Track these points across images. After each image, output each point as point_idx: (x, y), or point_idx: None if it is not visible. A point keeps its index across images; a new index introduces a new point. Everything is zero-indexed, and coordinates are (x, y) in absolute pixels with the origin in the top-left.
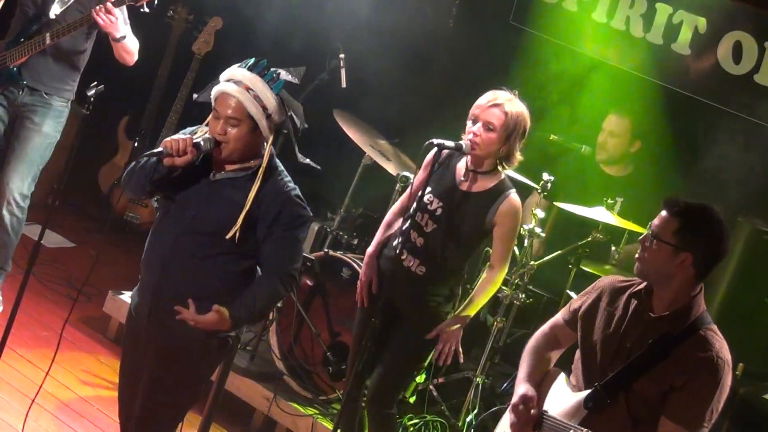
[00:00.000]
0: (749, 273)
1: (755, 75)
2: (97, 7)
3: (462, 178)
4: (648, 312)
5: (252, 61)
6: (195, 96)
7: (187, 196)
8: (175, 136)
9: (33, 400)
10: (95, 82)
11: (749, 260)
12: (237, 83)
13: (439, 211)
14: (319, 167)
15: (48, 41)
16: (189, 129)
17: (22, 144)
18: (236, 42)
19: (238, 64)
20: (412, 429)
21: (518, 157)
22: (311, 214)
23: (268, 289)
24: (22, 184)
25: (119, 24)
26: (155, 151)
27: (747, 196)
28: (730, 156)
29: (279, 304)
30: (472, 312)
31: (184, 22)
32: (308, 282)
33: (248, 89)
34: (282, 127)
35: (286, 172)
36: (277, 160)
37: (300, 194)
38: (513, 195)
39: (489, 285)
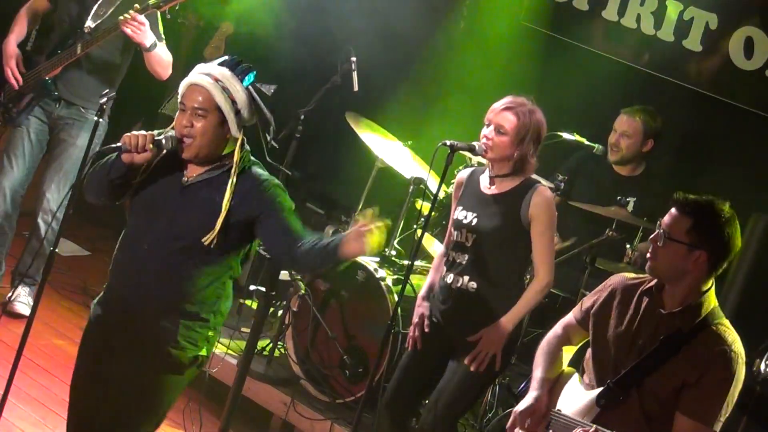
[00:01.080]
0: (765, 267)
1: (767, 70)
2: (124, 17)
3: (487, 185)
4: (659, 308)
5: (225, 57)
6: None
7: (159, 204)
8: (135, 132)
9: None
10: (107, 90)
11: (765, 255)
12: (206, 75)
13: (474, 221)
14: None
15: (79, 51)
16: (156, 131)
17: (59, 157)
18: (247, 47)
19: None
20: None
21: (533, 162)
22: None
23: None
24: (59, 195)
25: (146, 31)
26: (113, 146)
27: (762, 192)
28: (742, 151)
29: (295, 309)
30: (511, 320)
31: (195, 28)
32: (323, 286)
33: (217, 80)
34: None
35: (261, 164)
36: (251, 156)
37: (279, 182)
38: (542, 187)
39: (531, 294)
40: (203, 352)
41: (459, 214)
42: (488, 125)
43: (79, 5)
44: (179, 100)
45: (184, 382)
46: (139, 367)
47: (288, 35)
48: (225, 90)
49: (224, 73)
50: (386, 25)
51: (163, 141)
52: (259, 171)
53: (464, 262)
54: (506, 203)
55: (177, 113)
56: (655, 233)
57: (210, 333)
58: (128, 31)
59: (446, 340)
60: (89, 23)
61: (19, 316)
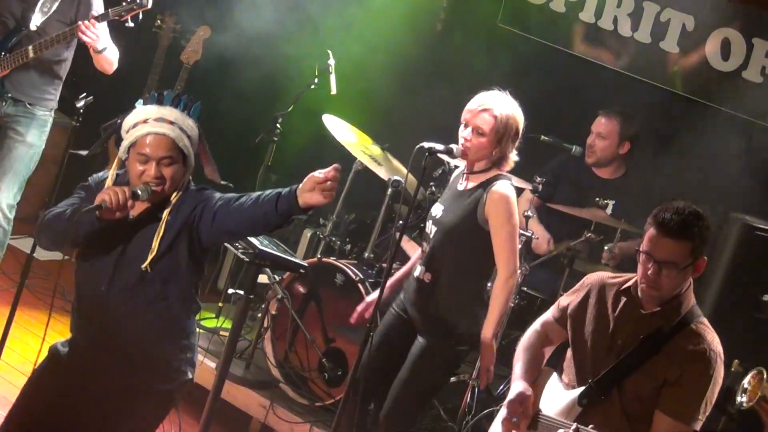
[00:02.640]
0: (742, 268)
1: (744, 71)
2: (82, 23)
3: (461, 180)
4: (639, 309)
5: (156, 94)
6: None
7: (110, 244)
8: (108, 189)
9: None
10: (84, 94)
11: (742, 256)
12: (160, 121)
13: (440, 214)
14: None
15: (32, 55)
16: (97, 176)
17: (7, 155)
18: (225, 50)
19: (142, 102)
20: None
21: (512, 158)
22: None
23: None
24: (8, 194)
25: (102, 37)
26: (91, 207)
27: (738, 193)
28: (720, 153)
29: (274, 312)
30: (489, 329)
31: (172, 32)
32: (302, 289)
33: (172, 123)
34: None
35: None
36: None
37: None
38: (501, 183)
39: (496, 292)
40: (189, 376)
41: (434, 208)
42: (465, 126)
43: (21, 3)
44: (134, 148)
45: (160, 418)
46: (128, 407)
47: (266, 38)
48: (182, 131)
49: (175, 113)
50: (364, 27)
51: (140, 193)
52: (191, 187)
53: (426, 253)
54: (467, 198)
55: (131, 161)
56: (653, 267)
57: (188, 355)
58: (85, 38)
59: (408, 326)
60: (36, 21)
61: None
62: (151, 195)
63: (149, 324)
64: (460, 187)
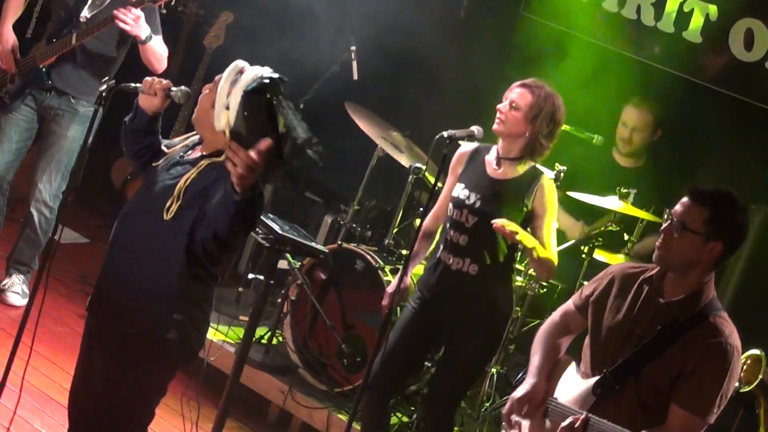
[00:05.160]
0: (763, 259)
1: (767, 62)
2: (118, 10)
3: (494, 167)
4: (659, 298)
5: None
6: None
7: (155, 179)
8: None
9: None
10: (106, 78)
11: (763, 246)
12: (241, 65)
13: (478, 203)
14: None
15: (74, 41)
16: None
17: (50, 148)
18: (247, 36)
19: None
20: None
21: (546, 146)
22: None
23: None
24: (51, 185)
25: (142, 24)
26: (132, 85)
27: (759, 183)
28: (741, 143)
29: (293, 298)
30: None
31: (195, 17)
32: (322, 275)
33: (240, 72)
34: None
35: None
36: None
37: None
38: (547, 178)
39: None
40: (170, 335)
41: (461, 192)
42: (504, 101)
43: None
44: None
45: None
46: (122, 351)
47: (288, 24)
48: (234, 82)
49: (251, 71)
50: (386, 14)
51: (173, 91)
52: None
53: (465, 244)
54: (512, 190)
55: None
56: (667, 223)
57: (176, 316)
58: (122, 25)
59: (435, 320)
60: (85, 13)
61: (12, 308)
62: (184, 101)
63: (147, 275)
64: (495, 175)
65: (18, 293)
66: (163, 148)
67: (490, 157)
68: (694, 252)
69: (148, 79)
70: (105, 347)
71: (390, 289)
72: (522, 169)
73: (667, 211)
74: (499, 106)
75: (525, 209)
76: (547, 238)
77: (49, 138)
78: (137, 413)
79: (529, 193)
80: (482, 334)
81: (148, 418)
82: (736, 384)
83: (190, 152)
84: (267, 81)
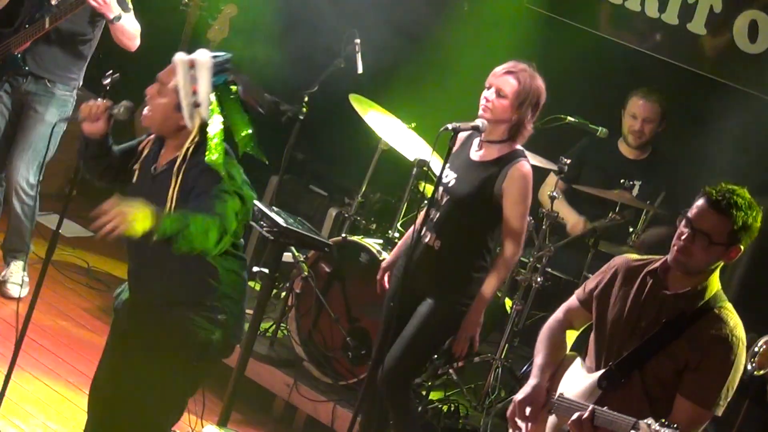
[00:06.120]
0: (767, 253)
1: None
2: None
3: (476, 149)
4: (663, 290)
5: (221, 54)
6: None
7: (136, 196)
8: (92, 102)
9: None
10: (110, 71)
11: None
12: (186, 56)
13: (452, 182)
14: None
15: (47, 25)
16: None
17: (26, 133)
18: (251, 29)
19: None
20: (436, 404)
21: (529, 129)
22: (228, 187)
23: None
24: (27, 173)
25: (111, 4)
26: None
27: (765, 175)
28: (746, 135)
29: (298, 291)
30: (488, 291)
31: (199, 10)
32: (326, 267)
33: (192, 65)
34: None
35: (234, 162)
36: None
37: (223, 171)
38: (523, 162)
39: (500, 267)
40: (215, 336)
41: (446, 171)
42: (489, 88)
43: None
44: None
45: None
46: (147, 355)
47: (292, 17)
48: (193, 78)
49: (204, 62)
50: (390, 6)
51: (116, 110)
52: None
53: (435, 220)
54: (484, 171)
55: None
56: (688, 233)
57: (220, 316)
58: (92, 3)
59: (411, 294)
60: None
61: (12, 300)
62: (129, 116)
63: (168, 284)
64: (475, 157)
65: (17, 283)
66: (132, 166)
67: (477, 140)
68: (716, 259)
69: (84, 106)
70: (143, 351)
71: (385, 264)
72: (502, 151)
73: (684, 217)
74: (485, 94)
75: (492, 191)
76: (507, 222)
77: (25, 123)
78: (173, 413)
79: (500, 175)
80: (432, 309)
81: (179, 416)
82: (750, 368)
83: (155, 163)
84: (227, 63)
